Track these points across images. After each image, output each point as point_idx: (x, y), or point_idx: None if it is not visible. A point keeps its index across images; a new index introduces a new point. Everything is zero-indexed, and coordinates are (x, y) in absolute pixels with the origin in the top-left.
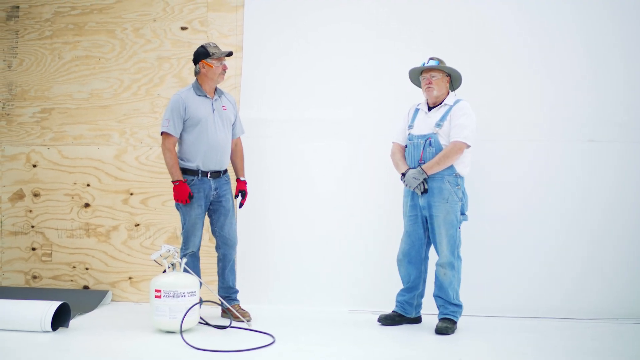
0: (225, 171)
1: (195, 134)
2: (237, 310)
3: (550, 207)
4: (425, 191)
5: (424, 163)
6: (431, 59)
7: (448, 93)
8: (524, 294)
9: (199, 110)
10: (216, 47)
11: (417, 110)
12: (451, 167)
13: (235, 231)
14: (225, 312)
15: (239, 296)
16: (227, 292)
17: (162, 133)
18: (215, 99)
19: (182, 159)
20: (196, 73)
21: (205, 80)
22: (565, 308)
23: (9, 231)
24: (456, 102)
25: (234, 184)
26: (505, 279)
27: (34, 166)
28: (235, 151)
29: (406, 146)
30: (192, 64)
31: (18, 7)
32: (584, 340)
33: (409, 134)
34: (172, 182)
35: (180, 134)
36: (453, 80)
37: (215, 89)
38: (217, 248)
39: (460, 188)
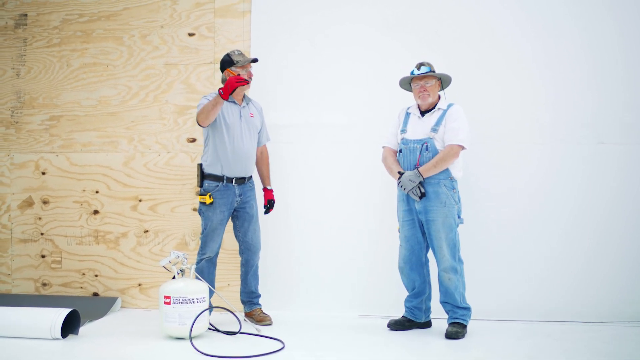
0: (250, 177)
1: (221, 139)
2: (258, 314)
3: (554, 209)
4: (423, 195)
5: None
6: (422, 64)
7: (439, 96)
8: (532, 296)
9: (228, 115)
10: (241, 54)
11: (408, 114)
12: (446, 170)
13: (258, 237)
14: (250, 315)
15: (261, 300)
16: (249, 296)
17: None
18: (243, 106)
19: (207, 164)
20: (223, 81)
21: None
22: (573, 311)
23: (18, 239)
24: (449, 106)
25: (258, 190)
26: (512, 281)
27: (43, 173)
28: (261, 159)
29: (400, 150)
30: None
31: (26, 15)
32: (594, 343)
33: (402, 139)
34: (221, 95)
35: (207, 140)
36: (443, 82)
37: (244, 96)
38: (241, 253)
39: (456, 191)
